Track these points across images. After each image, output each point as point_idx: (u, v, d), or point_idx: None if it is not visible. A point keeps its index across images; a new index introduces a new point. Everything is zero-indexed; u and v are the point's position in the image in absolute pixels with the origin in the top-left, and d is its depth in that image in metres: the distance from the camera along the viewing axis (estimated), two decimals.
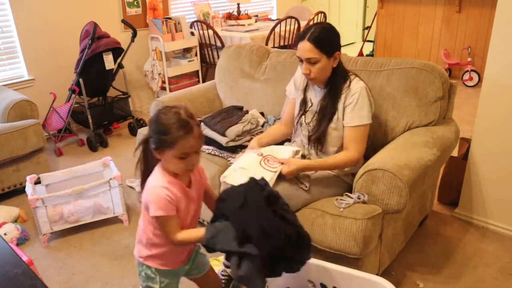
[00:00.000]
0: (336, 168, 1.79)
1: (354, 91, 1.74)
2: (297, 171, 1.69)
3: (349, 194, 1.71)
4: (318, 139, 1.82)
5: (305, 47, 1.69)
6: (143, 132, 2.51)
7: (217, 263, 2.08)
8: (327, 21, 5.05)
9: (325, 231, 1.64)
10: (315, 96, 1.86)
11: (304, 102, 1.90)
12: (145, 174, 1.34)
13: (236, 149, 2.14)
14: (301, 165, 1.70)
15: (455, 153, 2.31)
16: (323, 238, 1.64)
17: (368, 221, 1.57)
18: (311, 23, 4.44)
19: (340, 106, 1.77)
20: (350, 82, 1.76)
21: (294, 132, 1.99)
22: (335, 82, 1.77)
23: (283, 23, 4.27)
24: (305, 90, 1.90)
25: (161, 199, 1.23)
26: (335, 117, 1.78)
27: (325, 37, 1.69)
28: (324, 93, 1.81)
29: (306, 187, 1.72)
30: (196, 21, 4.42)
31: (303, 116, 1.89)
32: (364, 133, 1.77)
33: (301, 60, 1.74)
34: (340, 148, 1.82)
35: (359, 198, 1.66)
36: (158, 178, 1.28)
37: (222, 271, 1.90)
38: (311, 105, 1.87)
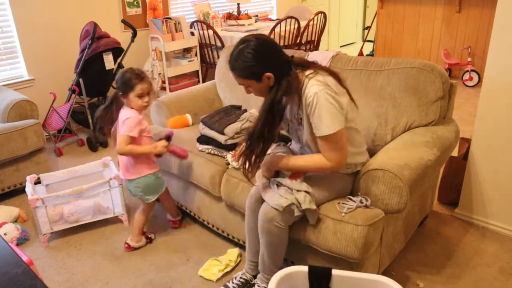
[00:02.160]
0: (311, 170, 1.68)
1: (308, 101, 1.54)
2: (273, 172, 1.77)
3: (351, 197, 1.70)
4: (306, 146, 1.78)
5: (233, 76, 1.61)
6: None
7: (217, 263, 2.08)
8: (327, 21, 5.06)
9: (326, 235, 1.63)
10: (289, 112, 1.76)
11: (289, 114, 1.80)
12: (110, 120, 2.09)
13: (235, 147, 2.14)
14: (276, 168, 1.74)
15: (455, 153, 2.31)
16: (324, 242, 1.64)
17: (369, 228, 1.56)
18: (311, 23, 4.45)
19: (304, 115, 1.61)
20: (303, 89, 1.56)
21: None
22: (270, 103, 1.57)
23: (283, 23, 4.27)
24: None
25: (131, 124, 2.01)
26: (301, 126, 1.67)
27: (247, 65, 1.53)
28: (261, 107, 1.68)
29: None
30: (196, 21, 4.43)
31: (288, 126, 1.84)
32: (333, 141, 1.56)
33: None
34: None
35: (361, 203, 1.65)
36: (128, 111, 2.03)
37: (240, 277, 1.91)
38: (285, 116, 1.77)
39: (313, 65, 1.63)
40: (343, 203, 1.68)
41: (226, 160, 2.11)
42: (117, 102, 2.07)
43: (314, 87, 1.53)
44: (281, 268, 1.73)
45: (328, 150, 1.58)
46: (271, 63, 1.54)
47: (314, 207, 1.62)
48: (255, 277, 1.90)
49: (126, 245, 2.25)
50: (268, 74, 1.53)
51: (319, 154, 1.62)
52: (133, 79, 1.96)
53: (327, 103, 1.52)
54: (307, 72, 1.58)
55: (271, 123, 1.61)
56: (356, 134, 1.74)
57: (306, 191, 1.63)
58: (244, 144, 1.68)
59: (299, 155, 1.76)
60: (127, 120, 1.99)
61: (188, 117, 2.61)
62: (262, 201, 1.72)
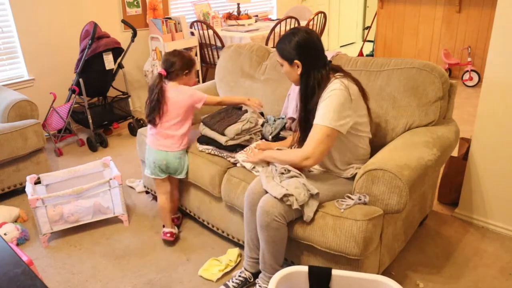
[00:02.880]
0: (287, 162, 1.78)
1: (328, 92, 1.66)
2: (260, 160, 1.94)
3: (350, 195, 1.71)
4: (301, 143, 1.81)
5: (275, 54, 1.84)
6: (143, 132, 2.50)
7: (217, 263, 2.08)
8: (327, 21, 5.06)
9: (325, 232, 1.64)
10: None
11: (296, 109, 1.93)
12: (158, 104, 2.15)
13: (236, 148, 2.14)
14: (260, 157, 1.93)
15: (455, 153, 2.32)
16: (324, 239, 1.64)
17: (368, 222, 1.57)
18: (311, 23, 4.44)
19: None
20: (330, 84, 1.69)
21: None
22: (304, 90, 1.75)
23: (283, 23, 4.27)
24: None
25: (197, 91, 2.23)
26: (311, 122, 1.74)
27: (286, 46, 1.74)
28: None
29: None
30: (196, 21, 4.43)
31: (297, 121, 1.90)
32: (321, 135, 1.65)
33: None
34: (334, 157, 1.81)
35: (360, 199, 1.66)
36: (184, 87, 2.22)
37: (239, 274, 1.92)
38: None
39: (346, 73, 1.77)
40: (341, 200, 1.69)
41: (235, 160, 2.10)
42: (161, 85, 2.15)
43: (337, 85, 1.68)
44: (282, 265, 1.74)
45: (311, 138, 1.69)
46: (305, 55, 1.72)
47: (313, 203, 1.65)
48: (254, 274, 1.90)
49: (168, 234, 2.26)
50: (297, 61, 1.73)
51: (294, 150, 1.79)
52: (191, 57, 2.22)
53: (338, 101, 1.65)
54: (337, 74, 1.74)
55: (306, 110, 1.77)
56: (364, 146, 1.83)
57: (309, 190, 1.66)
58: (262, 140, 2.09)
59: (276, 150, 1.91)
60: (194, 91, 2.20)
61: None
62: (260, 196, 1.74)
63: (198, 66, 4.49)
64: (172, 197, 2.35)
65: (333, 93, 1.65)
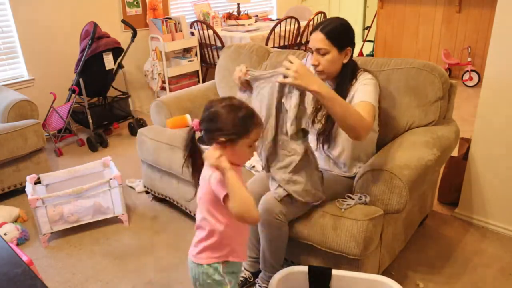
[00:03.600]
0: (350, 118, 1.50)
1: (364, 81, 1.70)
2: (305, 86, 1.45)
3: (350, 195, 1.71)
4: (326, 138, 1.81)
5: (317, 37, 1.67)
6: (143, 132, 2.50)
7: None
8: None
9: (325, 231, 1.64)
10: None
11: (317, 100, 1.82)
12: (195, 171, 1.39)
13: None
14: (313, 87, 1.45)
15: (455, 153, 2.31)
16: (324, 239, 1.64)
17: (369, 222, 1.57)
18: (311, 23, 4.45)
19: (347, 100, 1.72)
20: (358, 77, 1.73)
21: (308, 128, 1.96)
22: (344, 79, 1.74)
23: (283, 23, 4.27)
24: None
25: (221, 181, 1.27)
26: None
27: (338, 30, 1.67)
28: (335, 87, 1.77)
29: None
30: (196, 21, 4.43)
31: (316, 114, 1.86)
32: (369, 108, 1.60)
33: (312, 52, 1.72)
34: (347, 149, 1.80)
35: (360, 199, 1.66)
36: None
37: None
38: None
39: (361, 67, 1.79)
40: (342, 200, 1.69)
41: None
42: (195, 143, 1.37)
43: (369, 75, 1.72)
44: (282, 265, 1.74)
45: (364, 112, 1.56)
46: (353, 42, 1.72)
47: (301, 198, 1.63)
48: (254, 274, 1.90)
49: None
50: (349, 48, 1.70)
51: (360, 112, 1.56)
52: (249, 119, 1.29)
53: (375, 89, 1.69)
54: (362, 68, 1.77)
55: (343, 98, 1.63)
56: (373, 143, 1.84)
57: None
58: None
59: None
60: (216, 177, 1.26)
61: (188, 117, 2.60)
62: (257, 195, 1.74)
63: (197, 66, 4.50)
64: None
65: (369, 81, 1.69)
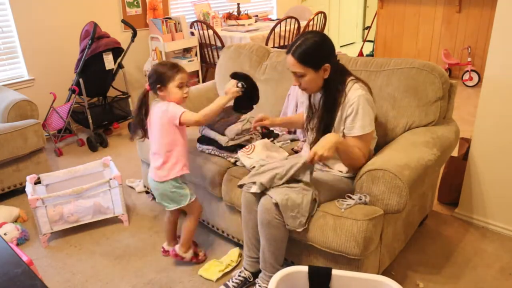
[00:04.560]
0: (353, 157, 1.70)
1: (351, 102, 1.68)
2: (327, 152, 1.58)
3: (350, 195, 1.71)
4: None
5: (290, 61, 1.69)
6: None
7: (218, 263, 2.08)
8: (327, 21, 5.06)
9: (325, 231, 1.64)
10: (316, 103, 1.84)
11: (310, 107, 1.88)
12: (141, 120, 1.97)
13: (236, 149, 2.14)
14: (331, 146, 1.59)
15: (455, 153, 2.31)
16: (324, 239, 1.64)
17: (369, 222, 1.57)
18: (310, 23, 4.44)
19: (338, 115, 1.73)
20: (347, 91, 1.70)
21: (305, 134, 1.98)
22: (329, 93, 1.73)
23: (283, 23, 4.27)
24: (309, 96, 1.88)
25: (177, 106, 1.87)
26: (332, 128, 1.75)
27: (310, 52, 1.65)
28: (320, 101, 1.79)
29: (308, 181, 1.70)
30: (196, 21, 4.43)
31: (309, 122, 1.88)
32: (367, 139, 1.73)
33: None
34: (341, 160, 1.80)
35: (360, 199, 1.66)
36: (165, 102, 1.89)
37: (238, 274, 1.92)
38: (316, 110, 1.84)
39: (354, 76, 1.78)
40: (342, 200, 1.69)
41: (236, 158, 2.10)
42: (146, 100, 1.97)
43: (358, 91, 1.68)
44: (282, 265, 1.74)
45: (364, 149, 1.72)
46: (329, 56, 1.69)
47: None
48: (254, 274, 1.90)
49: (173, 252, 2.09)
50: (326, 65, 1.67)
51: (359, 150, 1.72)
52: (171, 69, 1.86)
53: (369, 105, 1.68)
54: (350, 77, 1.74)
55: (332, 113, 1.74)
56: (372, 147, 1.84)
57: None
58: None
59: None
60: (169, 106, 1.86)
61: None
62: (256, 195, 1.74)
63: (197, 66, 4.50)
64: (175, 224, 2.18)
65: (361, 100, 1.66)
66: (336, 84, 1.71)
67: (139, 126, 1.97)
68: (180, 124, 1.84)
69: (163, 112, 1.87)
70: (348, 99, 1.69)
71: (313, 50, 1.65)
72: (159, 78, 1.86)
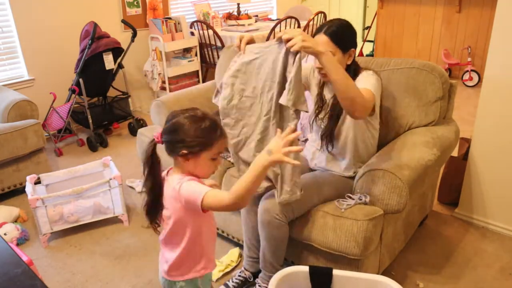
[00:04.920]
0: (351, 90, 1.49)
1: (364, 77, 1.71)
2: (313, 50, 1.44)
3: (350, 195, 1.71)
4: (329, 138, 1.81)
5: (321, 40, 1.66)
6: (143, 132, 2.50)
7: (217, 263, 2.08)
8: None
9: (325, 231, 1.64)
10: (329, 93, 1.83)
11: (320, 99, 1.86)
12: (155, 185, 1.28)
13: None
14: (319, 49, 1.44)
15: (455, 153, 2.31)
16: (324, 239, 1.64)
17: (369, 222, 1.57)
18: (310, 23, 4.44)
19: None
20: (362, 72, 1.74)
21: (310, 128, 1.98)
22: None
23: (283, 23, 4.27)
24: (321, 86, 1.87)
25: (197, 184, 1.23)
26: (344, 115, 1.76)
27: (342, 32, 1.67)
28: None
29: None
30: (196, 21, 4.43)
31: (318, 112, 1.87)
32: (370, 95, 1.61)
33: None
34: (350, 147, 1.80)
35: (360, 199, 1.66)
36: (180, 177, 1.25)
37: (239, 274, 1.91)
38: (326, 102, 1.84)
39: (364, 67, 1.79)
40: (342, 200, 1.69)
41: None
42: (155, 159, 1.28)
43: (370, 71, 1.74)
44: (282, 265, 1.74)
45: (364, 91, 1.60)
46: (355, 42, 1.73)
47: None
48: (253, 274, 1.90)
49: None
50: (352, 50, 1.69)
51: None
52: (212, 131, 1.24)
53: (376, 81, 1.69)
54: (363, 69, 1.76)
55: None
56: (375, 143, 1.85)
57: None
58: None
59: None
60: (184, 185, 1.21)
61: None
62: (260, 195, 1.74)
63: (197, 66, 4.50)
64: None
65: (371, 76, 1.70)
66: (355, 71, 1.74)
67: (155, 209, 1.31)
68: (203, 210, 1.20)
69: (174, 195, 1.24)
70: (359, 76, 1.72)
71: (345, 31, 1.69)
72: (190, 142, 1.21)
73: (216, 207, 1.19)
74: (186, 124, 1.22)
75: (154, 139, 1.26)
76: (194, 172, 1.26)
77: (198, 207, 1.17)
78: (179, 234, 1.30)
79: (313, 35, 1.70)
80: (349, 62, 1.72)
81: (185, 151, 1.21)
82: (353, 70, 1.74)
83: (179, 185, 1.21)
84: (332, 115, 1.78)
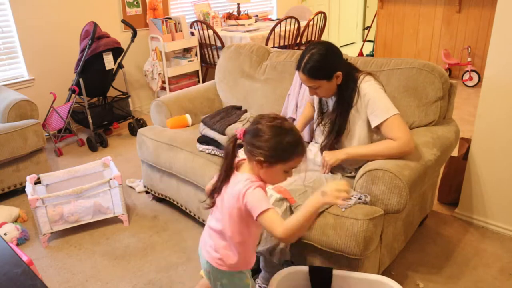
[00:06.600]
0: (386, 156, 1.68)
1: (364, 92, 1.73)
2: (340, 161, 1.76)
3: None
4: (329, 149, 1.84)
5: (302, 78, 1.74)
6: (143, 132, 2.50)
7: None
8: (327, 21, 5.06)
9: (326, 231, 1.64)
10: (330, 100, 1.88)
11: (321, 105, 1.92)
12: (226, 176, 1.33)
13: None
14: (342, 156, 1.76)
15: (455, 153, 2.31)
16: (324, 238, 1.64)
17: (369, 222, 1.57)
18: (311, 23, 4.44)
19: (353, 111, 1.77)
20: (359, 84, 1.75)
21: (315, 133, 2.01)
22: (343, 96, 1.77)
23: (283, 23, 4.27)
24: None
25: (263, 196, 1.25)
26: (347, 127, 1.79)
27: (319, 66, 1.68)
28: (334, 104, 1.82)
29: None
30: (196, 21, 4.43)
31: (321, 120, 1.92)
32: (398, 123, 1.68)
33: None
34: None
35: (360, 199, 1.66)
36: (248, 180, 1.27)
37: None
38: (327, 108, 1.89)
39: (361, 70, 1.81)
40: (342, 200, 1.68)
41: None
42: (235, 153, 1.32)
43: (367, 83, 1.73)
44: (282, 265, 1.74)
45: (396, 128, 1.67)
46: (338, 64, 1.72)
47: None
48: (253, 272, 1.90)
49: None
50: (338, 73, 1.71)
51: (386, 140, 1.71)
52: (295, 146, 1.25)
53: (382, 92, 1.72)
54: (361, 74, 1.78)
55: (345, 116, 1.79)
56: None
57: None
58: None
59: (359, 146, 1.81)
60: (249, 193, 1.23)
61: (188, 117, 2.61)
62: None
63: (197, 66, 4.50)
64: None
65: (372, 87, 1.71)
66: (350, 84, 1.75)
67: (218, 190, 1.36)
68: (257, 219, 1.22)
69: (237, 195, 1.26)
70: (360, 93, 1.74)
71: (321, 63, 1.68)
72: (268, 152, 1.23)
73: (266, 229, 1.24)
74: (269, 134, 1.24)
75: (236, 134, 1.30)
76: (263, 177, 1.29)
77: (253, 218, 1.22)
78: (233, 234, 1.33)
79: (296, 67, 1.76)
80: (339, 82, 1.74)
81: (261, 158, 1.24)
82: (350, 78, 1.75)
83: (245, 189, 1.24)
84: (330, 131, 1.83)
